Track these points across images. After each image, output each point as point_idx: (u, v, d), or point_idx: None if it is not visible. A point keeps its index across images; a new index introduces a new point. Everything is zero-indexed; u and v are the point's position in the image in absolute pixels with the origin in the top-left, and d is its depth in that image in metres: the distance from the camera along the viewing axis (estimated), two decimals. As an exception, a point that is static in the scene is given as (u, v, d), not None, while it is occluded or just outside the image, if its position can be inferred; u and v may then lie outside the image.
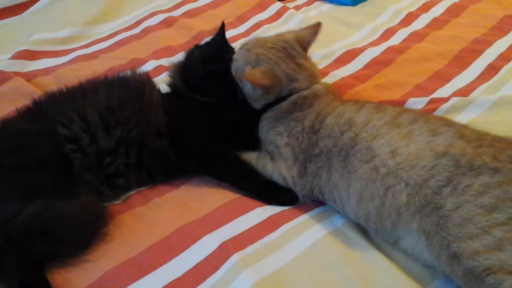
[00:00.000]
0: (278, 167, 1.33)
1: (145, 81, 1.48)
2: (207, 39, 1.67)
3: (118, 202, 1.33)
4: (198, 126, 1.42)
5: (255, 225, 1.22)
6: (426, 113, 1.34)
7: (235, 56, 1.45)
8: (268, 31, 2.17)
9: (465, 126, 1.22)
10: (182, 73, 1.53)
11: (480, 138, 1.14)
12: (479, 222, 1.00)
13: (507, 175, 1.04)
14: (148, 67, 1.93)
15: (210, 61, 1.50)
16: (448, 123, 1.22)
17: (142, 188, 1.38)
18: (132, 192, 1.36)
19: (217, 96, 1.47)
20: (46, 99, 1.41)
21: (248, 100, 1.45)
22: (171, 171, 1.40)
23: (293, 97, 1.37)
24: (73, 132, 1.29)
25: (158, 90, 1.49)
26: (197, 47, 1.62)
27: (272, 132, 1.37)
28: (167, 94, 1.53)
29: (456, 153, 1.10)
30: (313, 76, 1.43)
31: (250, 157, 1.40)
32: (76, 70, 1.91)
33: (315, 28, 1.48)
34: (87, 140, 1.30)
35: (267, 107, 1.41)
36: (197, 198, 1.33)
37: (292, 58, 1.41)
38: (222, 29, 1.62)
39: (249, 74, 1.35)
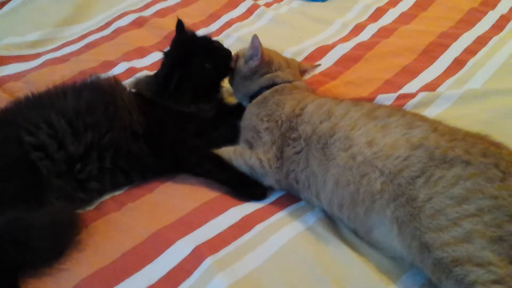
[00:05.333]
0: (256, 152, 1.38)
1: (114, 84, 1.49)
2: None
3: (91, 207, 1.34)
4: (172, 125, 1.45)
5: (229, 227, 1.24)
6: (401, 109, 1.37)
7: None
8: (240, 29, 2.18)
9: (439, 122, 1.25)
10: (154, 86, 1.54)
11: (453, 133, 1.18)
12: (449, 213, 1.03)
13: (478, 168, 1.07)
14: (119, 69, 1.92)
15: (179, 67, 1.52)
16: (423, 118, 1.27)
17: (116, 193, 1.38)
18: (105, 198, 1.37)
19: (190, 101, 1.51)
20: (12, 107, 1.40)
21: (237, 92, 1.60)
22: (147, 171, 1.41)
23: (275, 87, 1.50)
24: (40, 139, 1.28)
25: (129, 91, 1.49)
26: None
27: (255, 118, 1.45)
28: (138, 94, 1.53)
29: (430, 145, 1.13)
30: (297, 76, 1.58)
31: (226, 150, 1.44)
32: (47, 75, 1.90)
33: (315, 66, 1.68)
34: (54, 146, 1.29)
35: (251, 99, 1.51)
36: (171, 201, 1.34)
37: (284, 58, 1.61)
38: (178, 27, 1.61)
39: (253, 43, 1.50)
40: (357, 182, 1.17)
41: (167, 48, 1.64)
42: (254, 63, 1.52)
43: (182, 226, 1.24)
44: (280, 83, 1.52)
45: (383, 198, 1.13)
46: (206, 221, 1.26)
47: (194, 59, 1.52)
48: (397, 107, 1.45)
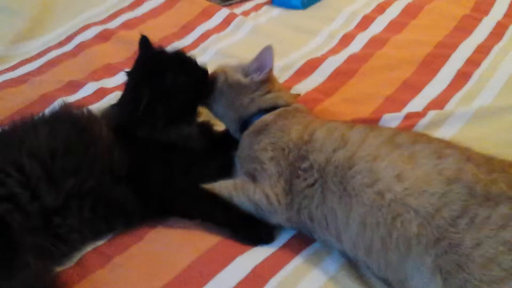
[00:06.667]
0: (261, 186, 1.20)
1: (88, 116, 1.28)
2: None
3: (72, 262, 1.12)
4: (157, 162, 1.25)
5: (239, 282, 1.06)
6: (423, 133, 1.24)
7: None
8: (218, 41, 2.00)
9: (467, 148, 1.12)
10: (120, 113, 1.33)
11: (489, 162, 1.05)
12: (503, 262, 0.90)
13: None
14: (87, 90, 1.71)
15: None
16: (450, 144, 1.13)
17: (98, 242, 1.17)
18: (87, 249, 1.16)
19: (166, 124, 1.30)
20: None
21: (225, 115, 1.40)
22: (131, 218, 1.21)
23: (278, 111, 1.34)
24: (8, 188, 1.07)
25: (107, 126, 1.28)
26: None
27: (256, 147, 1.27)
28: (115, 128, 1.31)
29: (468, 179, 1.00)
30: (294, 99, 1.43)
31: (225, 185, 1.25)
32: (3, 99, 1.67)
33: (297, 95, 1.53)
34: (26, 196, 1.07)
35: (243, 126, 1.35)
36: (165, 251, 1.15)
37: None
38: (143, 45, 1.40)
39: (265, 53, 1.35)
40: (388, 224, 1.02)
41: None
42: (260, 76, 1.35)
43: (184, 285, 1.05)
44: (281, 106, 1.36)
45: (421, 243, 0.98)
46: (211, 275, 1.07)
47: (165, 75, 1.32)
48: (418, 132, 1.31)
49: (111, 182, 1.18)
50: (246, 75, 1.38)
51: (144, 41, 1.39)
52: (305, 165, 1.18)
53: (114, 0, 2.30)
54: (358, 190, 1.07)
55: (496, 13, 2.02)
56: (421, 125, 1.43)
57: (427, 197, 1.00)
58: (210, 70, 1.43)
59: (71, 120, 1.22)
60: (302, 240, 1.17)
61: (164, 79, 1.32)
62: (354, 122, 1.37)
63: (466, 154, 1.07)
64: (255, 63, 1.38)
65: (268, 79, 1.38)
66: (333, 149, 1.16)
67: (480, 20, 1.96)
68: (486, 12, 2.03)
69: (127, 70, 1.41)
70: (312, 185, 1.15)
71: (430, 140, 1.15)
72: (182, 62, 1.38)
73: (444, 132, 1.40)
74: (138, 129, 1.28)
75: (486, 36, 1.86)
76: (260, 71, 1.36)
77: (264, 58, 1.36)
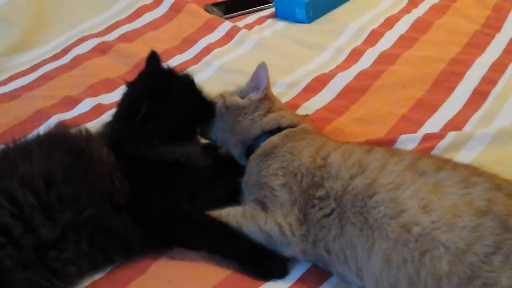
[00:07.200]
0: (272, 215, 1.12)
1: (87, 137, 1.19)
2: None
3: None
4: (159, 187, 1.16)
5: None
6: (447, 158, 1.16)
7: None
8: (221, 56, 1.91)
9: (495, 175, 1.05)
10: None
11: None
12: None
13: None
14: (84, 107, 1.63)
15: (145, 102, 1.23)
16: (477, 171, 1.06)
17: (96, 275, 1.09)
18: (84, 284, 1.07)
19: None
20: None
21: (228, 140, 1.32)
22: (131, 249, 1.12)
23: (285, 132, 1.27)
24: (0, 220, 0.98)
25: (108, 148, 1.19)
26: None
27: (265, 172, 1.19)
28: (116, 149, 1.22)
29: (501, 211, 0.93)
30: (299, 119, 1.36)
31: (233, 213, 1.17)
32: (-6, 115, 1.58)
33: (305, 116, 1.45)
34: (19, 229, 0.98)
35: (249, 151, 1.27)
36: (169, 286, 1.07)
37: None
38: (151, 60, 1.35)
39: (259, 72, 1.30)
40: (416, 261, 0.94)
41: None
42: (257, 95, 1.30)
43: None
44: (286, 127, 1.28)
45: (452, 282, 0.90)
46: (224, 316, 0.99)
47: (168, 94, 1.25)
48: (441, 157, 1.23)
49: (111, 210, 1.09)
50: (243, 96, 1.33)
51: (153, 57, 1.33)
52: (320, 193, 1.10)
53: (112, 11, 2.22)
54: (381, 222, 1.00)
55: (508, 29, 1.95)
56: (440, 147, 1.35)
57: (458, 231, 0.93)
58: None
59: (67, 142, 1.13)
60: (317, 275, 1.10)
61: (166, 98, 1.25)
62: (369, 144, 1.29)
63: (495, 183, 1.01)
64: (251, 83, 1.33)
65: (266, 97, 1.32)
66: (351, 175, 1.09)
67: (492, 36, 1.89)
68: (498, 29, 1.96)
69: (129, 81, 1.34)
70: (329, 215, 1.08)
71: (455, 166, 1.08)
72: (188, 86, 1.31)
73: (465, 156, 1.33)
74: (129, 144, 1.20)
75: (500, 53, 1.79)
76: (257, 89, 1.31)
77: (259, 76, 1.31)
